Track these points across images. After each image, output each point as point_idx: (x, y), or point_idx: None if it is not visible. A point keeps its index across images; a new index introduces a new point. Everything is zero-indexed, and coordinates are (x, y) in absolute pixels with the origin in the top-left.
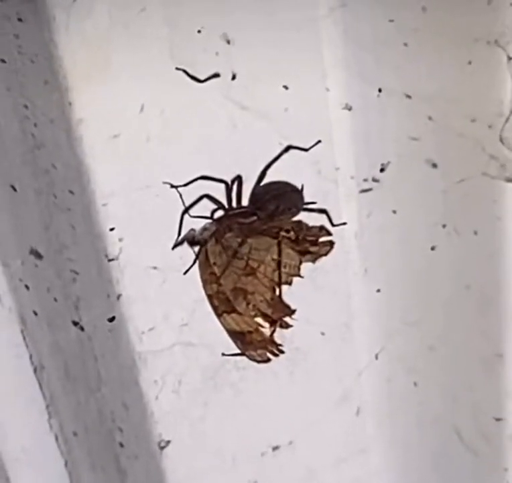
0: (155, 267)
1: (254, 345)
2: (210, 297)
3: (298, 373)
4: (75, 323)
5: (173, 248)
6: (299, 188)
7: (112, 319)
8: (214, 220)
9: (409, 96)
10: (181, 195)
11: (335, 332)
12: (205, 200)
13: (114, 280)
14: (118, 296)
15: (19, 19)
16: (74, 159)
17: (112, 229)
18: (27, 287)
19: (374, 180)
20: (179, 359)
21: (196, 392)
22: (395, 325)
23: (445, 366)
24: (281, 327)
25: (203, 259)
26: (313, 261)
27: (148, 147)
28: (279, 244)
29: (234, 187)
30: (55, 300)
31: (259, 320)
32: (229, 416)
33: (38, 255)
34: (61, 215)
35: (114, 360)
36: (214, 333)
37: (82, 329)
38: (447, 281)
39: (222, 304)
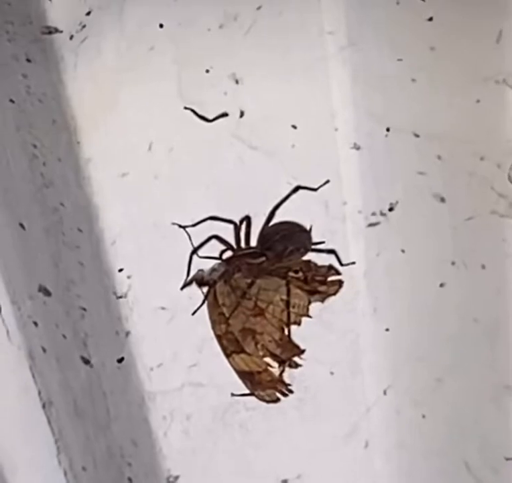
0: (163, 308)
1: (263, 385)
2: (218, 337)
3: (307, 411)
4: (84, 360)
5: (182, 288)
6: (308, 228)
7: (121, 358)
8: (222, 261)
9: (417, 135)
10: (190, 236)
11: (344, 370)
12: (214, 241)
13: (123, 317)
14: (127, 334)
15: (28, 60)
16: (82, 197)
17: (121, 270)
18: (35, 324)
19: (382, 213)
20: (188, 398)
21: (204, 429)
22: (403, 360)
23: (453, 398)
24: (290, 366)
25: (212, 300)
26: (322, 300)
27: (156, 186)
28: (287, 284)
29: (243, 227)
30: (64, 336)
31: (268, 360)
32: (237, 452)
33: (47, 292)
34: (70, 252)
35: (123, 397)
36: (223, 373)
37: (90, 365)
38: (455, 315)
39: (231, 345)
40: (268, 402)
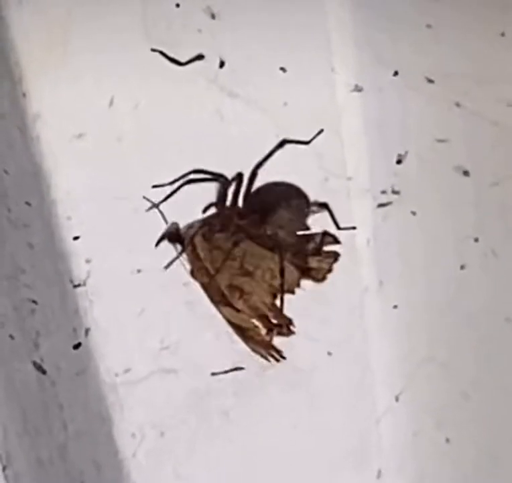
0: (130, 298)
1: (253, 341)
2: (203, 285)
3: (301, 405)
4: (35, 364)
5: (156, 245)
6: (305, 194)
7: (79, 358)
8: (205, 219)
9: (431, 80)
10: (163, 214)
11: (344, 353)
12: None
13: (81, 311)
14: (87, 331)
15: None
16: (30, 163)
17: (78, 244)
18: None
19: (394, 191)
20: (162, 410)
21: (180, 440)
22: (419, 358)
23: (481, 418)
24: (282, 334)
25: (191, 254)
26: (315, 280)
27: (120, 148)
28: (281, 257)
29: (232, 185)
30: (11, 337)
31: (256, 322)
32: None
33: None
34: (16, 232)
35: (84, 410)
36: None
37: (43, 371)
38: (482, 310)
39: (217, 295)
40: (262, 357)
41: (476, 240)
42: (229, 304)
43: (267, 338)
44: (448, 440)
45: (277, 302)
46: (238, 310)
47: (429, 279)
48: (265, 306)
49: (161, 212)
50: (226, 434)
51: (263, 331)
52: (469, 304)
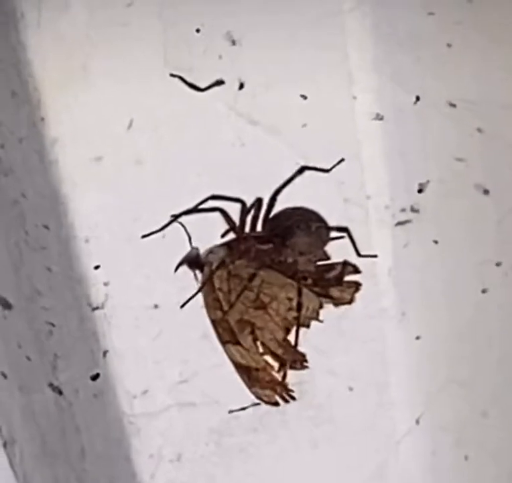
0: (148, 321)
1: (261, 384)
2: (213, 323)
3: (320, 436)
4: (53, 387)
5: (175, 270)
6: (324, 219)
7: (96, 380)
8: (225, 243)
9: (453, 105)
10: (188, 233)
11: (365, 387)
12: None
13: (99, 333)
14: (105, 353)
15: None
16: (48, 187)
17: (96, 268)
18: None
19: (414, 209)
20: (179, 430)
21: (199, 465)
22: (438, 380)
23: (500, 436)
24: (295, 368)
25: (206, 281)
26: (336, 305)
27: (138, 172)
28: (298, 284)
29: (252, 210)
30: (29, 358)
31: (268, 358)
32: None
33: (7, 305)
34: (34, 255)
35: (101, 432)
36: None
37: (60, 393)
38: (502, 332)
39: (226, 334)
40: (266, 403)
41: (498, 264)
42: (238, 343)
43: (278, 376)
44: (466, 458)
45: (290, 337)
46: (247, 349)
47: (450, 305)
48: (276, 343)
49: (186, 230)
50: (246, 468)
51: (275, 369)
52: (489, 326)
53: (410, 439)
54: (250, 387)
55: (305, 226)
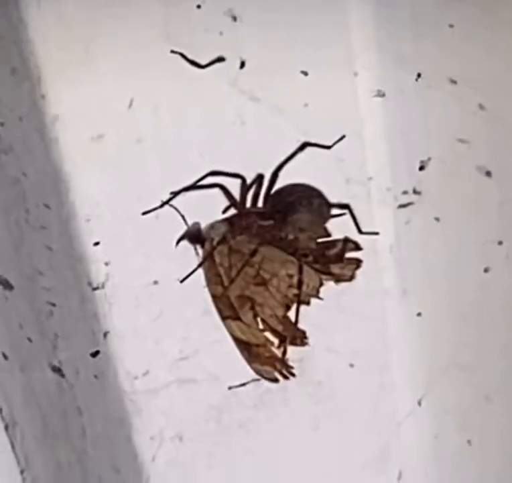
0: (149, 300)
1: (261, 360)
2: (213, 297)
3: (321, 416)
4: (53, 367)
5: (176, 244)
6: (325, 197)
7: (97, 361)
8: (226, 219)
9: (454, 82)
10: (183, 215)
11: (366, 364)
12: (206, 199)
13: (100, 314)
14: (105, 334)
15: None
16: (49, 165)
17: (96, 245)
18: None
19: (416, 191)
20: (180, 411)
21: (200, 446)
22: (442, 363)
23: (503, 420)
24: (295, 344)
25: (207, 257)
26: (336, 281)
27: (139, 150)
28: (299, 262)
29: (253, 186)
30: (29, 339)
31: (268, 335)
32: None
33: (8, 285)
34: (35, 234)
35: (102, 413)
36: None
37: (61, 373)
38: (505, 312)
39: (226, 309)
40: (265, 379)
41: (500, 243)
42: (238, 318)
43: (279, 352)
44: (469, 442)
45: (290, 314)
46: (247, 325)
47: (452, 284)
48: (276, 320)
49: (181, 214)
50: (246, 445)
51: (275, 345)
52: (492, 307)
53: (412, 421)
54: (250, 362)
55: (307, 202)
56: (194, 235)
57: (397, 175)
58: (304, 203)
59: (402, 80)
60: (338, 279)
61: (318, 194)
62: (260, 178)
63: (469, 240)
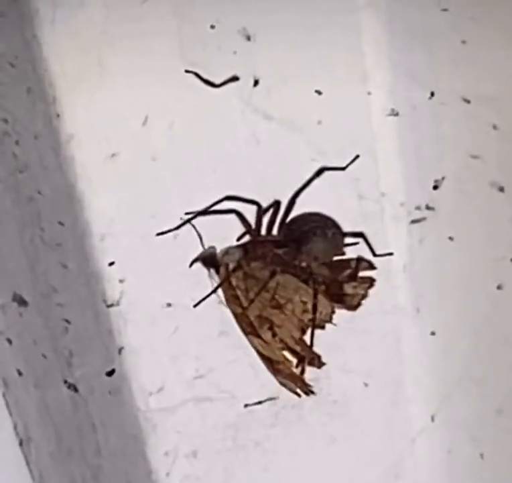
0: (163, 317)
1: (283, 375)
2: (235, 315)
3: (337, 434)
4: (68, 384)
5: (190, 265)
6: (340, 226)
7: (112, 376)
8: (241, 245)
9: (467, 101)
10: (200, 234)
11: (381, 385)
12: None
13: (114, 331)
14: (120, 350)
15: None
16: (64, 183)
17: (112, 264)
18: (9, 341)
19: (429, 207)
20: (195, 428)
21: (214, 463)
22: (454, 376)
23: None
24: (313, 365)
25: (223, 281)
26: (348, 309)
27: (154, 168)
28: (315, 291)
29: (269, 212)
30: (44, 356)
31: (287, 354)
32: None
33: (22, 302)
34: (50, 252)
35: (117, 429)
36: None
37: (76, 390)
38: None
39: (247, 326)
40: (290, 390)
41: None
42: (259, 336)
43: (297, 371)
44: (482, 456)
45: (306, 337)
46: (267, 342)
47: (465, 301)
48: (293, 341)
49: (198, 232)
50: (262, 463)
51: (293, 364)
52: (505, 323)
53: (425, 437)
54: (274, 375)
55: (322, 232)
56: (209, 259)
57: (410, 192)
58: (319, 233)
59: (415, 98)
60: (350, 303)
61: (333, 224)
62: (277, 204)
63: (482, 257)
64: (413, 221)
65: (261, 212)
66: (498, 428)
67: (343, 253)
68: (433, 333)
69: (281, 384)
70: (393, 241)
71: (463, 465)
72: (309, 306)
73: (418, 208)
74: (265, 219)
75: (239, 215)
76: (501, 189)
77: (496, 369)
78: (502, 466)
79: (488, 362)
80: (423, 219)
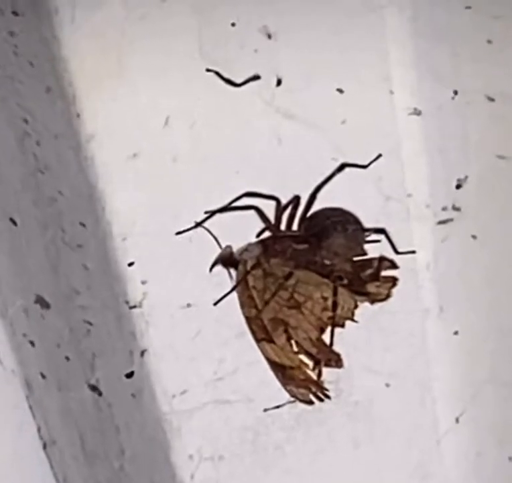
0: (186, 319)
1: (295, 382)
2: (247, 320)
3: (359, 436)
4: (91, 386)
5: (210, 269)
6: (361, 222)
7: (134, 380)
8: (260, 241)
9: (492, 99)
10: (215, 236)
11: (404, 386)
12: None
13: (137, 333)
14: (143, 352)
15: (14, 13)
16: (84, 184)
17: (131, 265)
18: (32, 343)
19: (455, 208)
20: (219, 431)
21: (240, 465)
22: (479, 376)
23: None
24: (330, 366)
25: (241, 280)
26: (372, 302)
27: (175, 168)
28: (334, 284)
29: (289, 208)
30: (67, 358)
31: (302, 357)
32: None
33: (45, 304)
34: (72, 253)
35: (140, 432)
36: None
37: (99, 392)
38: None
39: (260, 332)
40: (300, 401)
41: None
42: (272, 341)
43: (313, 375)
44: (510, 459)
45: (324, 336)
46: (281, 347)
47: (490, 301)
48: (309, 342)
49: (212, 235)
50: (283, 466)
51: (309, 367)
52: None
53: (451, 439)
54: (285, 385)
55: (342, 228)
56: (227, 259)
57: (435, 192)
58: (339, 229)
59: (439, 97)
60: (373, 299)
61: (354, 220)
62: (296, 199)
63: (506, 256)
64: (440, 222)
65: (280, 207)
66: None
67: (365, 254)
68: (456, 333)
69: (292, 394)
70: (417, 239)
71: (491, 467)
72: (330, 303)
73: (444, 208)
74: (285, 215)
75: (258, 211)
76: None
77: None
78: None
79: None
80: (450, 219)
